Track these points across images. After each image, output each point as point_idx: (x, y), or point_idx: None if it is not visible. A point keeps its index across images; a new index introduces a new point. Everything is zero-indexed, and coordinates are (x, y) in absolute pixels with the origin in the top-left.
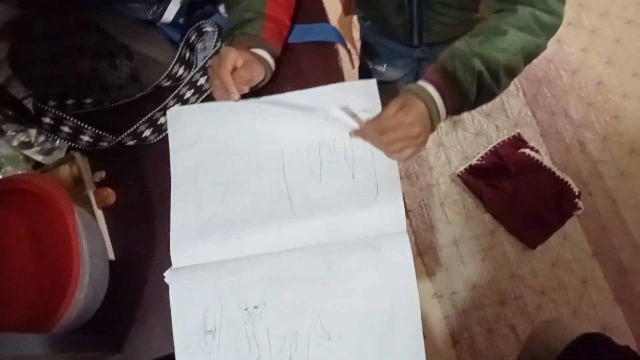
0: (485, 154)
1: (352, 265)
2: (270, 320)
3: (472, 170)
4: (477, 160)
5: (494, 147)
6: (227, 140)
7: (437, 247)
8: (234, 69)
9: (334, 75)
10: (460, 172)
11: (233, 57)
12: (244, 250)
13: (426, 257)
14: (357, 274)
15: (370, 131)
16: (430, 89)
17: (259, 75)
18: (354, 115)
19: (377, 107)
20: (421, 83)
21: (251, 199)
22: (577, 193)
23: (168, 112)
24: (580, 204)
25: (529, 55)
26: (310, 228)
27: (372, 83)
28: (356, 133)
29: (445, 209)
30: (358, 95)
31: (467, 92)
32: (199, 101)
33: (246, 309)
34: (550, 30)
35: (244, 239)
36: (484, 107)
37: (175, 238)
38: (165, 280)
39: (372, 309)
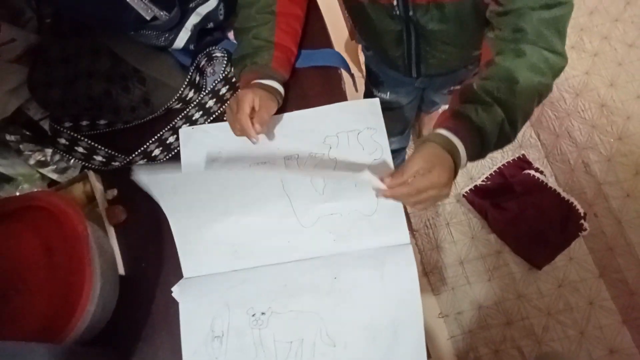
0: (490, 174)
1: (358, 275)
2: (276, 327)
3: (477, 190)
4: (482, 180)
5: (499, 168)
6: (229, 158)
7: (442, 266)
8: (253, 110)
9: (337, 99)
10: (466, 192)
11: (250, 99)
12: (253, 261)
13: (432, 276)
14: (363, 284)
15: (402, 193)
16: (456, 141)
17: (274, 111)
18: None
19: (380, 125)
20: (445, 133)
21: (256, 215)
22: (582, 214)
23: (181, 132)
24: (585, 224)
25: (541, 98)
26: (317, 238)
27: (375, 102)
28: (385, 195)
29: (450, 229)
30: (361, 114)
31: (489, 142)
32: (207, 122)
33: (253, 315)
34: (556, 70)
35: (251, 253)
36: None
37: (183, 253)
38: (173, 295)
39: (376, 319)
